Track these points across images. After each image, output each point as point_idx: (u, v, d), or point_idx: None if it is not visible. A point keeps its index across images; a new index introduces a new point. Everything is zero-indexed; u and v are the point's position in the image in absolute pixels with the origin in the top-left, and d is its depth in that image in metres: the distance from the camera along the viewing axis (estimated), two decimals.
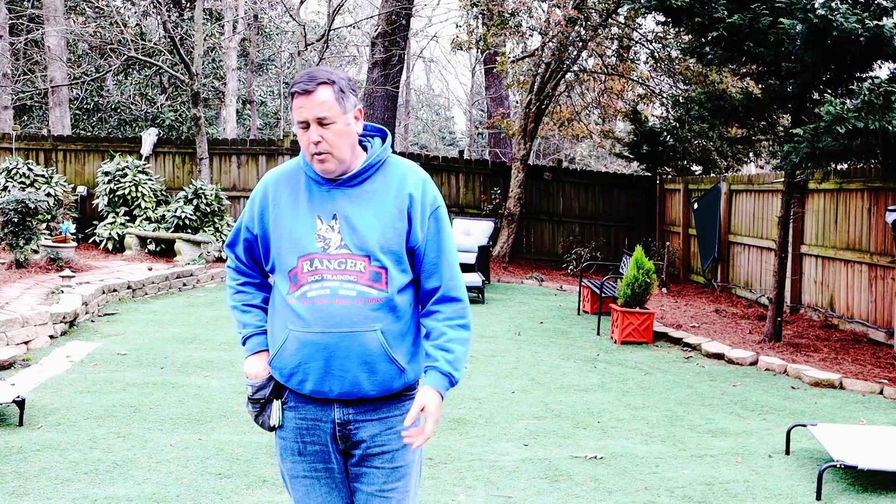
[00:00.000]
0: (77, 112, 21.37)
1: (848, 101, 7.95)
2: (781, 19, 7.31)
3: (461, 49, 16.89)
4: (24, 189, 13.26)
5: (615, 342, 8.82)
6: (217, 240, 13.71)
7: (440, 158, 16.18)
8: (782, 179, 8.93)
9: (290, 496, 2.59)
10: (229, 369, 6.86)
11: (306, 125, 2.37)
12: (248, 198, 15.46)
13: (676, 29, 10.91)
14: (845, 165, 9.26)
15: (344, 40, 28.36)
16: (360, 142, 2.51)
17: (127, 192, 14.06)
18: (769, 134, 9.13)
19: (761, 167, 19.17)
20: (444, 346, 2.44)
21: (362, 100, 17.05)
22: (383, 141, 2.54)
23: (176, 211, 13.63)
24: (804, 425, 5.17)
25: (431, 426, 2.36)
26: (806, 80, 7.96)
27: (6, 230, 10.30)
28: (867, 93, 6.69)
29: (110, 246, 13.81)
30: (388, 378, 2.42)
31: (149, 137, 15.24)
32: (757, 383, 7.14)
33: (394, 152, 2.59)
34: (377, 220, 2.40)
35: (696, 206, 13.20)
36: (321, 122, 2.35)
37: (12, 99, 17.93)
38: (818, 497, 4.41)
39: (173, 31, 16.22)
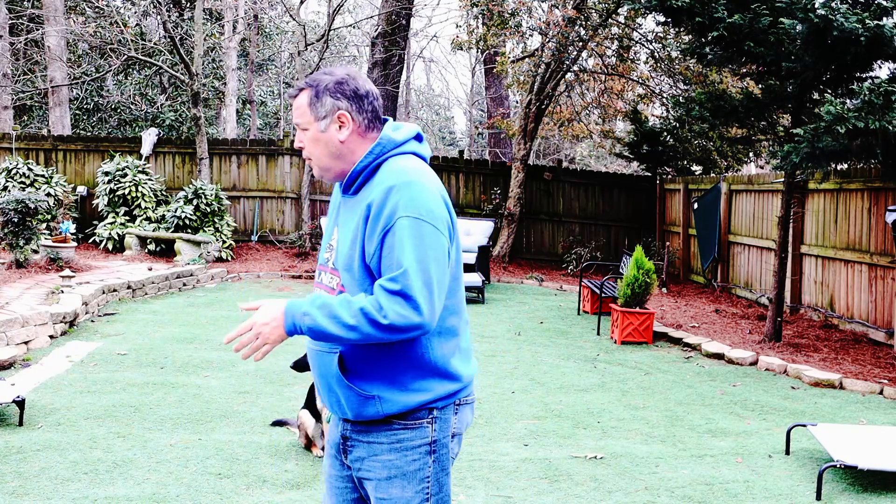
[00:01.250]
0: (77, 112, 21.37)
1: (848, 101, 7.94)
2: (781, 19, 7.31)
3: (461, 49, 16.89)
4: (24, 189, 13.26)
5: (615, 342, 8.82)
6: (217, 240, 13.71)
7: (440, 158, 16.17)
8: (782, 179, 8.93)
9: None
10: (229, 369, 6.86)
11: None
12: (247, 198, 15.58)
13: (676, 29, 10.91)
14: (845, 165, 9.25)
15: (344, 40, 28.36)
16: None
17: (127, 192, 14.06)
18: (769, 134, 9.13)
19: (761, 167, 19.17)
20: (330, 301, 2.16)
21: None
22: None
23: (176, 211, 13.63)
24: (804, 425, 5.17)
25: (249, 328, 2.16)
26: (806, 79, 7.96)
27: (6, 230, 10.30)
28: (867, 93, 6.69)
29: (110, 246, 13.82)
30: (351, 403, 2.27)
31: (149, 137, 15.24)
32: (757, 383, 7.14)
33: None
34: (347, 235, 2.28)
35: (696, 206, 13.19)
36: (299, 128, 2.33)
37: (12, 99, 17.93)
38: (818, 497, 4.41)
39: (173, 31, 16.22)
